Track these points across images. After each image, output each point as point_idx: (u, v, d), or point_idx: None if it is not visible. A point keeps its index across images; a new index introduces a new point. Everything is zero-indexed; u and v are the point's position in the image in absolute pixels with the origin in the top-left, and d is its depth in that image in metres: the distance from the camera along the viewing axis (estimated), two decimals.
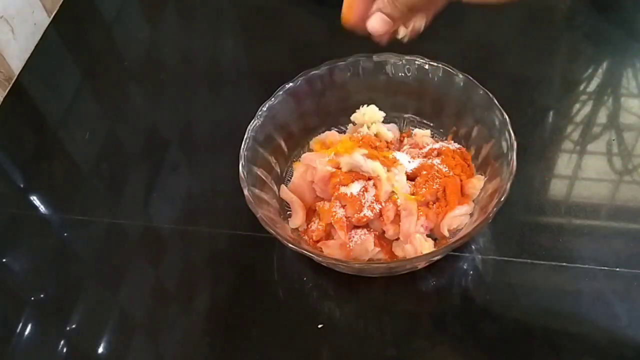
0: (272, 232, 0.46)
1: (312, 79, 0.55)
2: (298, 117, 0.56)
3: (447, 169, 0.51)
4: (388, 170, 0.50)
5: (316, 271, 0.52)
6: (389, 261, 0.49)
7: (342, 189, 0.49)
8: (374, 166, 0.49)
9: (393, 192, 0.49)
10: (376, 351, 0.49)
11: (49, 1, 0.74)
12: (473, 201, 0.51)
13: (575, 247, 0.52)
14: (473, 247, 0.52)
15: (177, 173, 0.61)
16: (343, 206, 0.49)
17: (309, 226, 0.52)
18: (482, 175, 0.52)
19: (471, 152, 0.54)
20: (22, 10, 0.70)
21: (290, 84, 0.54)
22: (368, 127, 0.54)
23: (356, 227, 0.50)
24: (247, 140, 0.51)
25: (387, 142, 0.55)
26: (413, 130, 0.57)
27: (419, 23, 0.45)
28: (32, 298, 0.54)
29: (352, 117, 0.55)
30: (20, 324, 0.52)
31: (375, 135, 0.54)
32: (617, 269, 0.50)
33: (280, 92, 0.54)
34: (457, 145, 0.54)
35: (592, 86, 0.63)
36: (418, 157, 0.53)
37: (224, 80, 0.69)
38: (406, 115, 0.58)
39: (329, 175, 0.50)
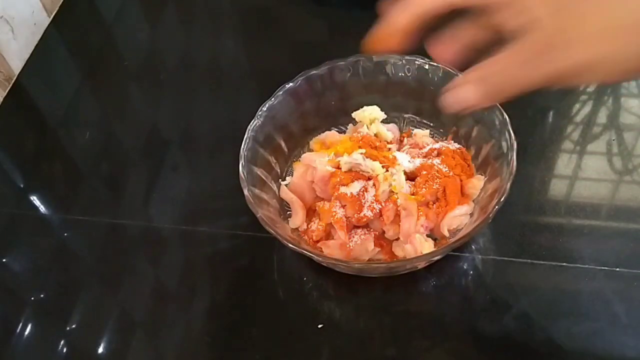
0: (272, 232, 0.46)
1: (312, 79, 0.55)
2: (298, 117, 0.56)
3: (447, 169, 0.51)
4: (386, 170, 0.50)
5: (316, 271, 0.52)
6: (389, 261, 0.49)
7: (342, 189, 0.49)
8: (374, 166, 0.49)
9: (393, 192, 0.49)
10: (376, 351, 0.48)
11: (49, 1, 0.74)
12: (473, 201, 0.51)
13: (575, 247, 0.52)
14: (473, 247, 0.52)
15: (177, 173, 0.61)
16: (343, 206, 0.49)
17: (309, 226, 0.52)
18: (482, 175, 0.52)
19: (471, 152, 0.54)
20: (22, 10, 0.70)
21: (290, 84, 0.54)
22: (368, 127, 0.54)
23: (356, 227, 0.50)
24: (247, 140, 0.51)
25: (387, 142, 0.55)
26: (413, 130, 0.57)
27: None
28: (32, 298, 0.54)
29: (354, 114, 0.55)
30: (20, 324, 0.52)
31: (375, 135, 0.54)
32: (617, 269, 0.50)
33: (280, 92, 0.54)
34: (457, 145, 0.54)
35: (592, 86, 0.63)
36: (418, 157, 0.52)
37: (224, 80, 0.69)
38: (406, 115, 0.58)
39: (329, 175, 0.50)
